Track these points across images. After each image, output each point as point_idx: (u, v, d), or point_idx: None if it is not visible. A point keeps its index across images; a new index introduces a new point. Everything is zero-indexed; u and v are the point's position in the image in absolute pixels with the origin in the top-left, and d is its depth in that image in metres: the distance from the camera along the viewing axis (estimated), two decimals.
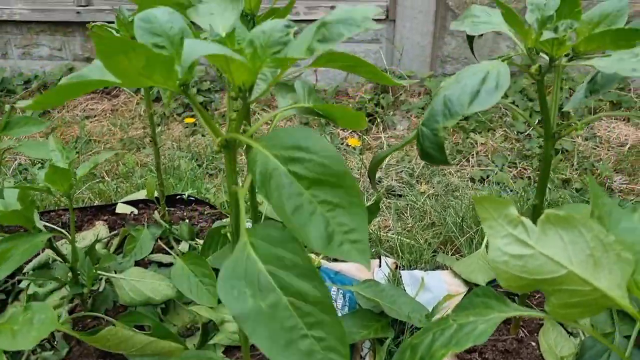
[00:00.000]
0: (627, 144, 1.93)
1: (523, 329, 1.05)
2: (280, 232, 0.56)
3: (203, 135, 2.21)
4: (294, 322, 0.54)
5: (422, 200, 1.60)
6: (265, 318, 0.54)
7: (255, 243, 0.56)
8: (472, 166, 1.86)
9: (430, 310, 1.06)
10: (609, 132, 2.02)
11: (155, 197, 1.32)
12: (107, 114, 2.55)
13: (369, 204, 1.12)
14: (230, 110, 0.63)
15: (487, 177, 1.79)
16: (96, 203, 1.59)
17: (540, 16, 0.74)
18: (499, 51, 2.38)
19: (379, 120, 2.18)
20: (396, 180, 1.77)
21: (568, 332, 1.06)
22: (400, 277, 1.23)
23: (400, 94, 2.34)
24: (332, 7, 2.41)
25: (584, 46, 0.78)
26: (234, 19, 0.66)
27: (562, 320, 0.56)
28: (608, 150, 1.91)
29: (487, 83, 0.65)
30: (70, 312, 1.12)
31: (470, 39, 0.83)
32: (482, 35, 0.88)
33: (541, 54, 0.78)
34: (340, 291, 1.19)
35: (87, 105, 2.65)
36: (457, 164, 1.87)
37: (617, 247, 0.53)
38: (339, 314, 1.15)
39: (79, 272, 1.06)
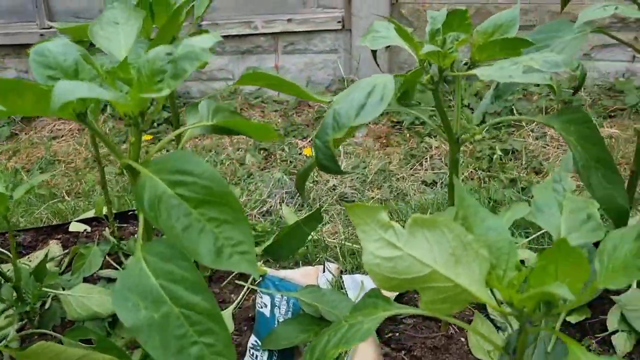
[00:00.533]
0: None
1: (453, 326, 1.10)
2: (171, 249, 0.60)
3: (159, 151, 2.25)
4: (185, 331, 0.58)
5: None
6: (157, 328, 0.58)
7: (148, 258, 0.60)
8: (426, 170, 1.91)
9: None
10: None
11: (104, 215, 1.35)
12: (74, 134, 2.58)
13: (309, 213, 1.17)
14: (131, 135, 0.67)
15: (440, 180, 1.83)
16: (54, 222, 1.62)
17: (430, 29, 0.79)
18: None
19: None
20: (350, 187, 1.81)
21: (497, 327, 1.11)
22: (343, 281, 1.27)
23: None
24: (289, 20, 2.46)
25: (478, 55, 0.83)
26: (135, 35, 0.69)
27: (433, 314, 0.60)
28: (557, 148, 1.97)
29: (373, 96, 0.70)
30: (19, 330, 1.15)
31: (373, 52, 0.88)
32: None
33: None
34: (284, 297, 1.23)
35: (54, 126, 2.68)
36: (411, 169, 1.92)
37: (476, 245, 0.57)
38: (283, 320, 1.19)
39: (23, 291, 1.09)
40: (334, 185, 1.85)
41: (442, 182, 1.81)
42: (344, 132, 0.69)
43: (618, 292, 1.08)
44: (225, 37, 2.56)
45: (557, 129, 0.82)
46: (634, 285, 1.12)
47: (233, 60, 2.63)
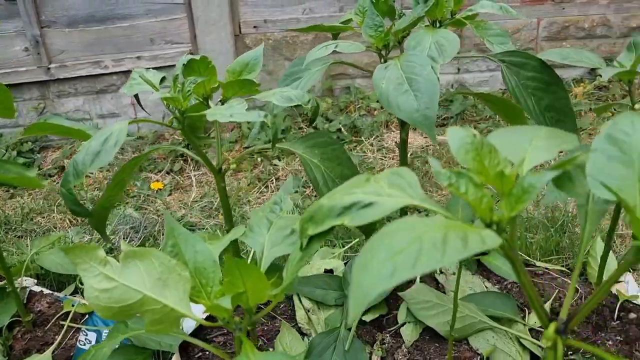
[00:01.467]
0: (409, 151, 2.16)
1: (262, 338, 1.18)
2: None
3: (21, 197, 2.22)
4: None
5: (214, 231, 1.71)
6: None
7: None
8: (272, 192, 2.01)
9: None
10: (396, 140, 2.24)
11: None
12: None
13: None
14: None
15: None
16: None
17: (173, 75, 0.88)
18: None
19: (189, 159, 2.29)
20: (197, 215, 1.88)
21: (303, 334, 1.20)
22: None
23: (213, 131, 2.46)
24: (139, 57, 2.51)
25: (226, 93, 0.92)
26: None
27: (157, 334, 0.68)
28: (392, 159, 2.13)
29: (108, 142, 0.77)
30: None
31: (136, 97, 0.95)
32: None
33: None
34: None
35: None
36: (258, 192, 2.01)
37: (179, 268, 0.65)
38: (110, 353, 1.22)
39: None
40: (182, 214, 1.91)
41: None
42: (82, 178, 0.75)
43: (404, 288, 1.21)
44: (76, 78, 2.56)
45: (300, 153, 0.92)
46: (418, 280, 1.25)
47: (88, 100, 2.63)
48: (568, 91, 2.50)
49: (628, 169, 0.47)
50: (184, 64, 0.88)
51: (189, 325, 1.16)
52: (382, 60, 0.97)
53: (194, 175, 2.19)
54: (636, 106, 0.96)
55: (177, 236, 0.69)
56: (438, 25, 0.96)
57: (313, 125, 0.86)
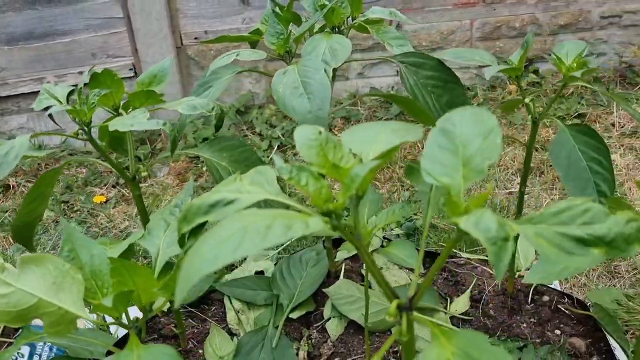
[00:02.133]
0: None
1: (192, 340, 1.21)
2: None
3: None
4: None
5: None
6: None
7: None
8: None
9: None
10: None
11: None
12: None
13: None
14: None
15: None
16: None
17: (77, 88, 0.91)
18: (243, 89, 2.61)
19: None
20: (140, 226, 1.89)
21: (233, 334, 1.24)
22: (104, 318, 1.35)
23: (158, 143, 2.48)
24: (81, 73, 2.51)
25: (134, 103, 0.95)
26: None
27: (56, 336, 0.71)
28: None
29: (9, 155, 0.80)
30: None
31: (50, 115, 0.97)
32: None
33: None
34: (47, 344, 1.29)
35: None
36: None
37: (72, 272, 0.68)
38: None
39: None
40: (125, 226, 1.92)
41: None
42: None
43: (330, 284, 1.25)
44: (19, 95, 2.56)
45: (206, 156, 0.96)
46: (342, 275, 1.30)
47: (32, 117, 2.62)
48: (503, 88, 2.60)
49: (455, 157, 0.52)
50: (87, 79, 0.91)
51: (122, 331, 1.19)
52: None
53: (145, 186, 2.20)
54: (526, 100, 1.02)
55: (75, 241, 0.72)
56: (337, 31, 1.01)
57: (217, 131, 0.89)
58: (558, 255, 0.46)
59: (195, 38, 2.51)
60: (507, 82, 2.58)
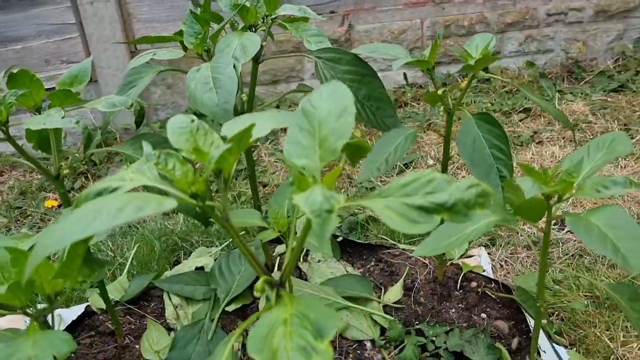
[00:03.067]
0: None
1: (129, 337, 1.23)
2: None
3: None
4: None
5: None
6: None
7: None
8: None
9: None
10: None
11: None
12: None
13: None
14: None
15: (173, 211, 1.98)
16: None
17: None
18: None
19: (90, 176, 2.31)
20: None
21: (171, 329, 1.26)
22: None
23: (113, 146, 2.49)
24: None
25: (54, 104, 0.98)
26: None
27: None
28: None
29: None
30: None
31: None
32: None
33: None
34: None
35: None
36: None
37: None
38: None
39: None
40: None
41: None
42: None
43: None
44: None
45: (128, 153, 0.99)
46: (276, 268, 1.33)
47: None
48: (455, 86, 2.65)
49: (312, 138, 0.56)
50: (5, 80, 0.93)
51: (71, 317, 1.21)
52: None
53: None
54: (439, 92, 1.06)
55: None
56: (254, 30, 1.04)
57: (139, 127, 0.92)
58: (403, 224, 0.50)
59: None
60: (459, 80, 2.64)
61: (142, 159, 0.61)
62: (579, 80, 2.59)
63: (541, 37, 2.66)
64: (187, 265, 1.42)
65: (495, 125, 0.96)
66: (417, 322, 1.22)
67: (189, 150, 0.56)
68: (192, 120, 0.58)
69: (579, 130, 2.15)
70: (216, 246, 1.56)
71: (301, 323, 0.46)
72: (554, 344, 1.14)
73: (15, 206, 2.18)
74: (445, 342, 1.15)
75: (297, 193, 0.49)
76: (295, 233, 0.61)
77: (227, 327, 1.24)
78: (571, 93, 2.45)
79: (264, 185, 2.07)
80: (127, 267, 1.50)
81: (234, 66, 0.91)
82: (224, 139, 0.58)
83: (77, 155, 2.38)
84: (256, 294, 0.56)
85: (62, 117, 0.88)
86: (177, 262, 1.57)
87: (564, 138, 2.11)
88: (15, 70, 0.94)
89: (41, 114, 0.93)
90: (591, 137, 2.10)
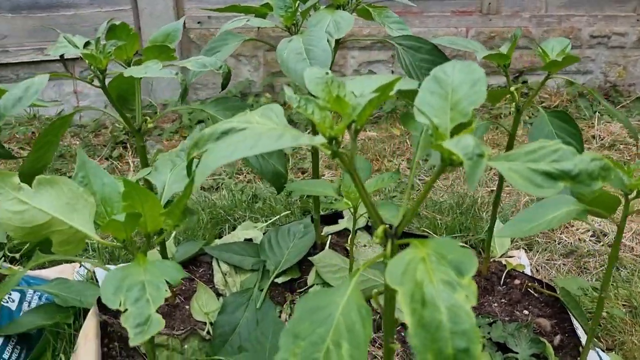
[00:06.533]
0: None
1: (179, 297, 1.27)
2: None
3: None
4: None
5: None
6: None
7: None
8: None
9: None
10: None
11: None
12: None
13: None
14: None
15: (218, 185, 2.02)
16: None
17: (95, 38, 0.97)
18: (241, 76, 2.67)
19: (129, 146, 2.35)
20: None
21: (219, 295, 1.29)
22: (95, 273, 1.40)
23: (198, 104, 2.53)
24: None
25: (146, 58, 1.01)
26: None
27: (64, 255, 0.76)
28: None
29: (30, 90, 0.86)
30: None
31: (62, 58, 1.02)
32: None
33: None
34: (36, 293, 1.33)
35: None
36: None
37: (86, 195, 0.74)
38: (31, 312, 1.28)
39: None
40: None
41: (220, 187, 2.00)
42: (3, 120, 0.83)
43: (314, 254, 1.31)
44: (18, 63, 2.59)
45: (211, 113, 1.02)
46: (327, 246, 1.36)
47: None
48: (522, 86, 2.68)
49: (444, 101, 0.59)
50: (107, 29, 0.97)
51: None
52: None
53: (133, 162, 2.25)
54: (512, 88, 1.09)
55: (88, 169, 0.78)
56: (342, 9, 1.08)
57: (223, 90, 0.95)
58: (528, 187, 0.53)
59: (199, 22, 2.57)
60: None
61: (265, 106, 0.65)
62: (616, 104, 2.62)
63: (582, 58, 2.69)
64: (236, 236, 1.46)
65: (568, 123, 1.00)
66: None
67: (326, 99, 0.59)
68: (327, 73, 0.61)
69: (616, 150, 2.18)
70: (262, 222, 1.60)
71: (439, 261, 0.49)
72: (596, 348, 1.17)
73: (55, 168, 2.22)
74: (489, 333, 1.17)
75: (438, 141, 0.52)
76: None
77: (274, 299, 1.27)
78: (608, 115, 2.47)
79: (303, 172, 2.10)
80: (173, 233, 1.54)
81: (327, 41, 0.95)
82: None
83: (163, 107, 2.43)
84: (375, 240, 0.59)
85: (160, 69, 0.91)
86: (220, 235, 1.60)
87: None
88: (117, 23, 0.97)
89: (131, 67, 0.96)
90: (629, 158, 2.13)
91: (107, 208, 0.77)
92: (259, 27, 1.14)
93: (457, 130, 0.58)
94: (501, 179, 1.19)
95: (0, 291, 0.79)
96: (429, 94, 0.60)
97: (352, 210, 1.03)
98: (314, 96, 0.59)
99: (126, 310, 0.61)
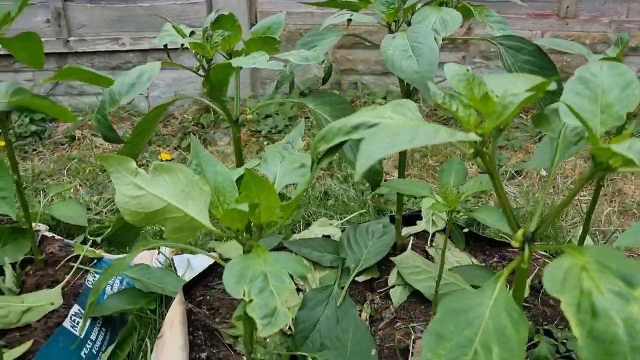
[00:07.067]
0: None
1: None
2: None
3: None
4: None
5: None
6: None
7: None
8: None
9: None
10: None
11: None
12: None
13: None
14: None
15: None
16: None
17: (203, 28, 0.97)
18: (310, 73, 2.67)
19: (198, 136, 2.38)
20: None
21: (298, 289, 1.29)
22: (173, 261, 1.42)
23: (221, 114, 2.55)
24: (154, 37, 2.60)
25: (248, 49, 1.01)
26: None
27: (176, 242, 0.76)
28: None
29: (143, 77, 0.86)
30: None
31: (165, 47, 1.04)
32: None
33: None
34: (118, 277, 1.36)
35: None
36: None
37: (201, 183, 0.74)
38: (115, 295, 1.30)
39: None
40: None
41: None
42: (117, 105, 0.84)
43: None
44: (94, 52, 2.66)
45: (312, 107, 1.02)
46: (409, 248, 1.34)
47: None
48: None
49: (593, 104, 0.56)
50: (213, 19, 0.97)
51: (199, 264, 1.25)
52: None
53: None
54: None
55: (201, 158, 0.78)
56: (445, 6, 1.06)
57: (324, 84, 0.95)
58: None
59: None
60: None
61: (396, 101, 0.63)
62: None
63: None
64: (314, 232, 1.45)
65: None
66: (545, 323, 1.21)
67: (468, 96, 0.57)
68: (467, 70, 0.59)
69: None
70: (336, 219, 1.59)
71: (602, 270, 0.46)
72: None
73: None
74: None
75: (596, 146, 0.50)
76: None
77: (354, 297, 1.26)
78: None
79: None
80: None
81: (434, 38, 0.93)
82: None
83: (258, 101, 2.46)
84: (515, 244, 0.57)
85: (268, 60, 0.91)
86: (293, 230, 1.60)
87: None
88: (225, 13, 0.98)
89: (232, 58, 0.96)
90: None
91: (220, 197, 0.77)
92: (348, 24, 1.13)
93: (607, 134, 0.55)
94: (598, 186, 1.15)
95: (107, 274, 0.79)
96: (574, 95, 0.57)
97: (448, 212, 1.01)
98: (457, 93, 0.57)
99: (251, 300, 0.61)
